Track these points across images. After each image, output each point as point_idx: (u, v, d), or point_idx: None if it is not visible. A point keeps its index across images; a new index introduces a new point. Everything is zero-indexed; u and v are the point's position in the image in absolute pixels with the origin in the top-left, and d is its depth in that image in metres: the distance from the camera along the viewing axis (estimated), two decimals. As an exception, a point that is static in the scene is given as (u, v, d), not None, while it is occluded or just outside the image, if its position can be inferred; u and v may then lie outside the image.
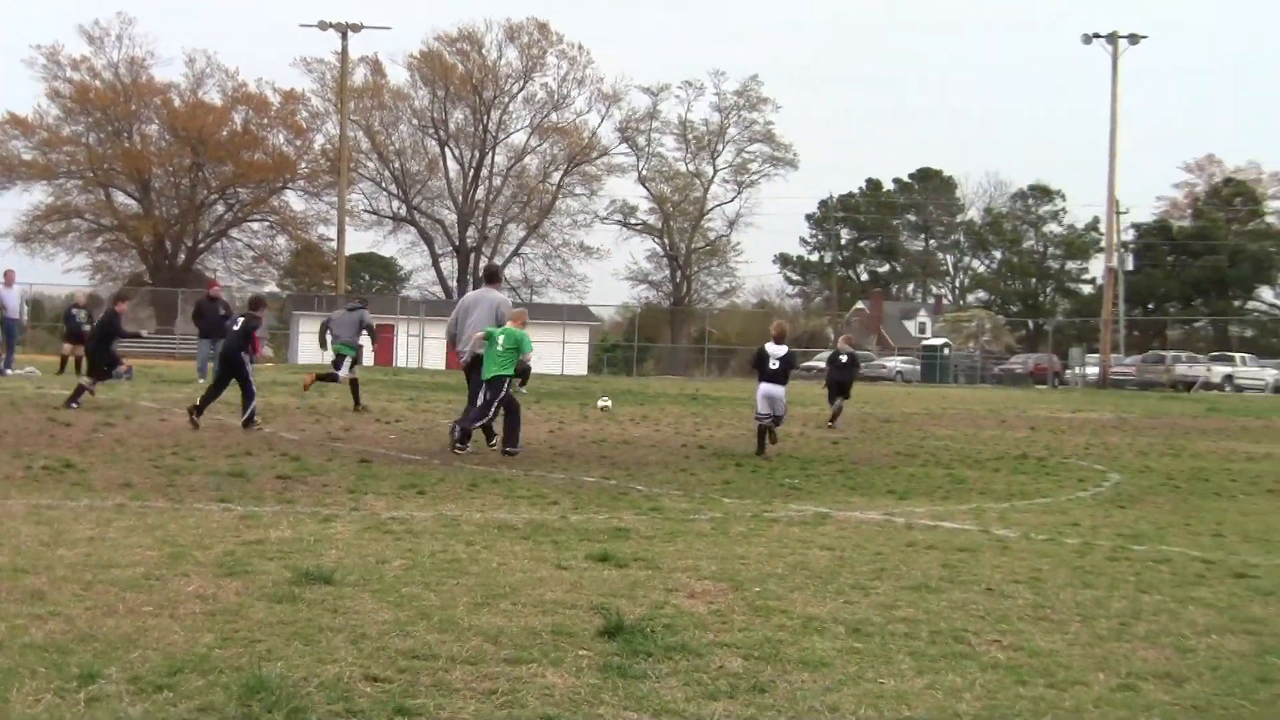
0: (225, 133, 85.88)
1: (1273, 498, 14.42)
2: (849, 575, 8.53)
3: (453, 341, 18.65)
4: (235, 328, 20.20)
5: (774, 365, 18.40)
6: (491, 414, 16.72)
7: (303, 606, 6.98)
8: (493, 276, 19.66)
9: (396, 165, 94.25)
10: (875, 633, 6.87)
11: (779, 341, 18.90)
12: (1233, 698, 5.86)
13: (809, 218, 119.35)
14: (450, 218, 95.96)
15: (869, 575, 8.56)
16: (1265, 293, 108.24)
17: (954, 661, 6.34)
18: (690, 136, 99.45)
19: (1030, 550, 9.88)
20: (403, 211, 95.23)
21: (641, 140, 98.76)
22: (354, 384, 24.43)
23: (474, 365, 17.16)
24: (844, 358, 26.41)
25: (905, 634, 6.88)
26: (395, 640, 6.33)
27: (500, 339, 16.62)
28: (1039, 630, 7.10)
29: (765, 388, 18.29)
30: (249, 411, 19.06)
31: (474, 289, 18.62)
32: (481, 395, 16.67)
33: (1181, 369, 68.07)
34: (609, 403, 27.95)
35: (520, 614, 7.02)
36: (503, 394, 16.60)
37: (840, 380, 25.66)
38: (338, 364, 24.25)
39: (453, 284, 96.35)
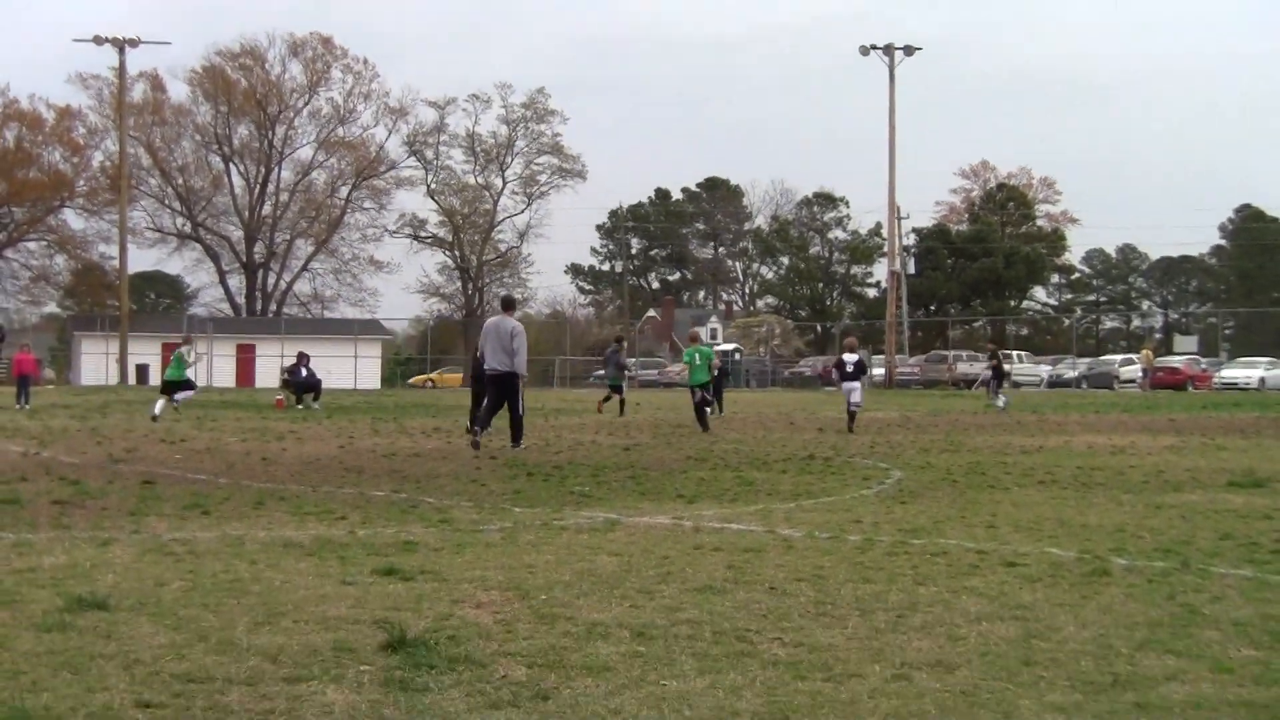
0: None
1: (1043, 489, 14.93)
2: (635, 580, 8.60)
3: (481, 358, 21.79)
4: None
5: (850, 369, 26.50)
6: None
7: (74, 634, 6.77)
8: (508, 305, 22.40)
9: (180, 182, 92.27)
10: (659, 635, 6.93)
11: (851, 351, 27.58)
12: (999, 682, 6.06)
13: (599, 228, 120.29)
14: (237, 234, 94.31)
15: (655, 579, 8.64)
16: (1039, 292, 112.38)
17: (736, 660, 6.43)
18: (479, 149, 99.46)
19: (814, 548, 10.06)
20: (187, 229, 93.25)
21: (430, 154, 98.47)
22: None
23: (491, 378, 20.96)
24: (850, 363, 27.48)
25: (689, 635, 6.95)
26: (171, 664, 6.19)
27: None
28: (819, 626, 7.24)
29: (847, 385, 26.49)
30: None
31: (490, 319, 22.50)
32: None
33: (963, 368, 70.17)
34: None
35: (302, 632, 6.92)
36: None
37: (850, 384, 27.06)
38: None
39: (240, 300, 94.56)
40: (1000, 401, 37.32)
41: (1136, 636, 6.98)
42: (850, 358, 27.20)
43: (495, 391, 20.92)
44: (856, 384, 26.50)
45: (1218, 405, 40.99)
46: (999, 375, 39.56)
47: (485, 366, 21.31)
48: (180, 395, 30.36)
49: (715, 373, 29.35)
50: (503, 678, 6.05)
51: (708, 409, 27.69)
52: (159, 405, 29.36)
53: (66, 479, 14.84)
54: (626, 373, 37.61)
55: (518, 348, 20.73)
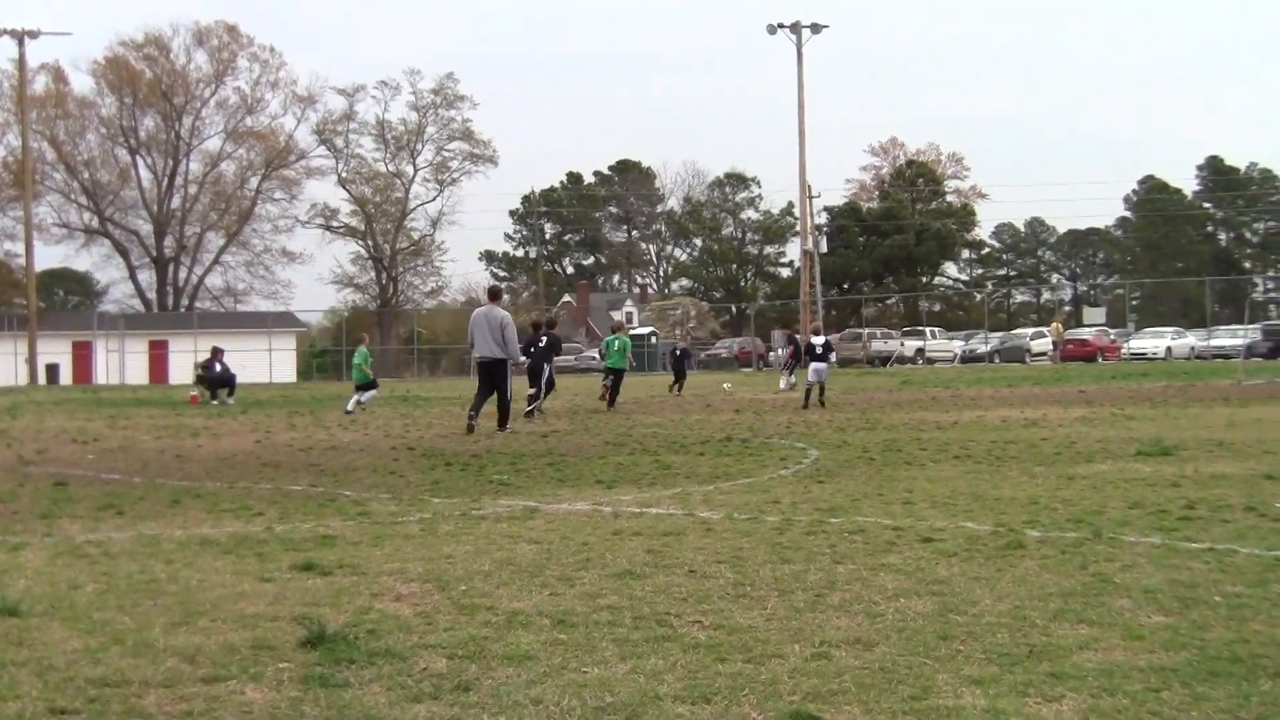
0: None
1: (958, 464, 15.10)
2: (555, 568, 8.60)
3: (471, 346, 23.13)
4: None
5: (819, 350, 28.99)
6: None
7: (-14, 641, 6.67)
8: (494, 295, 24.15)
9: (86, 176, 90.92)
10: (580, 623, 6.94)
11: (817, 334, 30.68)
12: (917, 656, 6.12)
13: (512, 214, 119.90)
14: (146, 228, 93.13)
15: (575, 566, 8.65)
16: (950, 268, 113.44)
17: (657, 645, 6.45)
18: (389, 137, 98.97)
19: (733, 530, 10.12)
20: (95, 224, 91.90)
21: (340, 142, 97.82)
22: None
23: (481, 365, 22.49)
24: (818, 345, 29.45)
25: (609, 622, 6.97)
26: (85, 669, 6.11)
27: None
28: (739, 608, 7.28)
29: (815, 365, 28.66)
30: None
31: (478, 309, 23.76)
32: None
33: (877, 345, 70.81)
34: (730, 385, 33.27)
35: (219, 631, 6.86)
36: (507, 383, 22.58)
37: (818, 365, 29.01)
38: None
39: (151, 296, 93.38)
40: (784, 383, 38.60)
41: (1051, 607, 7.08)
42: (818, 340, 29.56)
43: (486, 377, 22.43)
44: (824, 364, 28.87)
45: (1126, 375, 41.64)
46: (796, 357, 39.39)
47: (475, 355, 22.85)
48: (365, 395, 31.21)
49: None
50: (423, 670, 6.04)
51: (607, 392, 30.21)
52: (351, 401, 30.63)
53: (-25, 483, 14.61)
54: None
55: (508, 337, 22.25)
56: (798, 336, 41.55)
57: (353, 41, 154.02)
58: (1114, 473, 13.74)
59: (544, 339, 27.43)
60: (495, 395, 22.41)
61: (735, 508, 11.43)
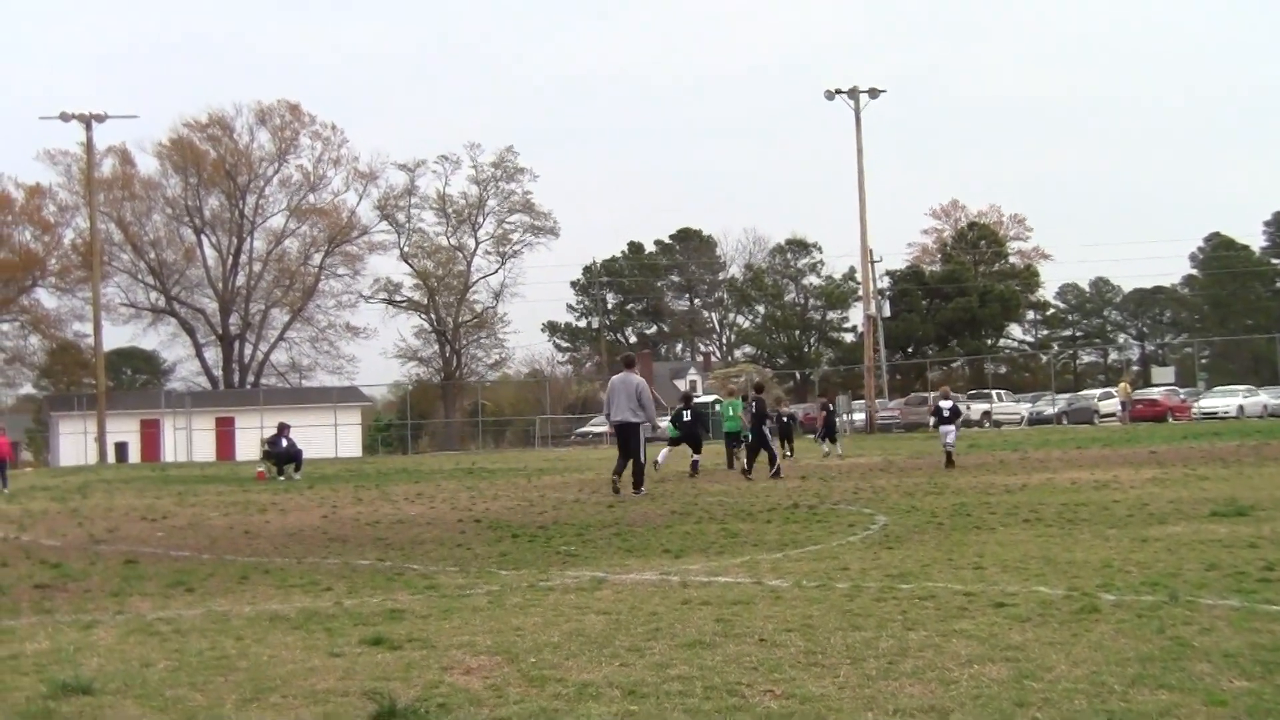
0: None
1: (1028, 527, 14.93)
2: (625, 638, 8.55)
3: (607, 415, 24.35)
4: None
5: (946, 414, 29.68)
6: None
7: (59, 720, 6.71)
8: (629, 363, 25.29)
9: (152, 256, 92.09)
10: (650, 694, 6.89)
11: (945, 398, 30.87)
12: (994, 725, 6.04)
13: (574, 284, 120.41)
14: (211, 306, 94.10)
15: (644, 636, 8.60)
16: (1015, 330, 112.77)
17: (729, 715, 6.39)
18: (450, 210, 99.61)
19: (802, 598, 10.03)
20: (161, 303, 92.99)
21: (401, 217, 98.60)
22: None
23: (618, 429, 23.64)
24: (945, 408, 30.01)
25: (680, 692, 6.91)
26: (159, 746, 6.13)
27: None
28: (810, 676, 7.20)
29: (944, 428, 29.50)
30: None
31: (614, 374, 25.18)
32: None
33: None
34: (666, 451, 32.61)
35: (290, 707, 6.86)
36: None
37: (946, 428, 29.77)
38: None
39: (217, 373, 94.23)
40: (825, 448, 38.76)
41: (1129, 672, 6.96)
42: (945, 404, 30.23)
43: (623, 440, 23.62)
44: (951, 427, 29.60)
45: (1198, 435, 41.11)
46: (830, 425, 39.32)
47: (612, 419, 23.90)
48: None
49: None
50: (495, 744, 6.01)
51: (737, 454, 31.98)
52: (779, 465, 29.51)
53: (47, 562, 14.73)
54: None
55: (645, 402, 23.47)
56: (830, 405, 41.20)
57: (413, 117, 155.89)
58: (1189, 534, 13.53)
59: (754, 405, 29.79)
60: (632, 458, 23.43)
61: (804, 575, 11.34)
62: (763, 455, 29.19)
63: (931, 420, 32.37)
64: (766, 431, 29.50)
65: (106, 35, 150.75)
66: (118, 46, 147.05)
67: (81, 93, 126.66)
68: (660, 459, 30.77)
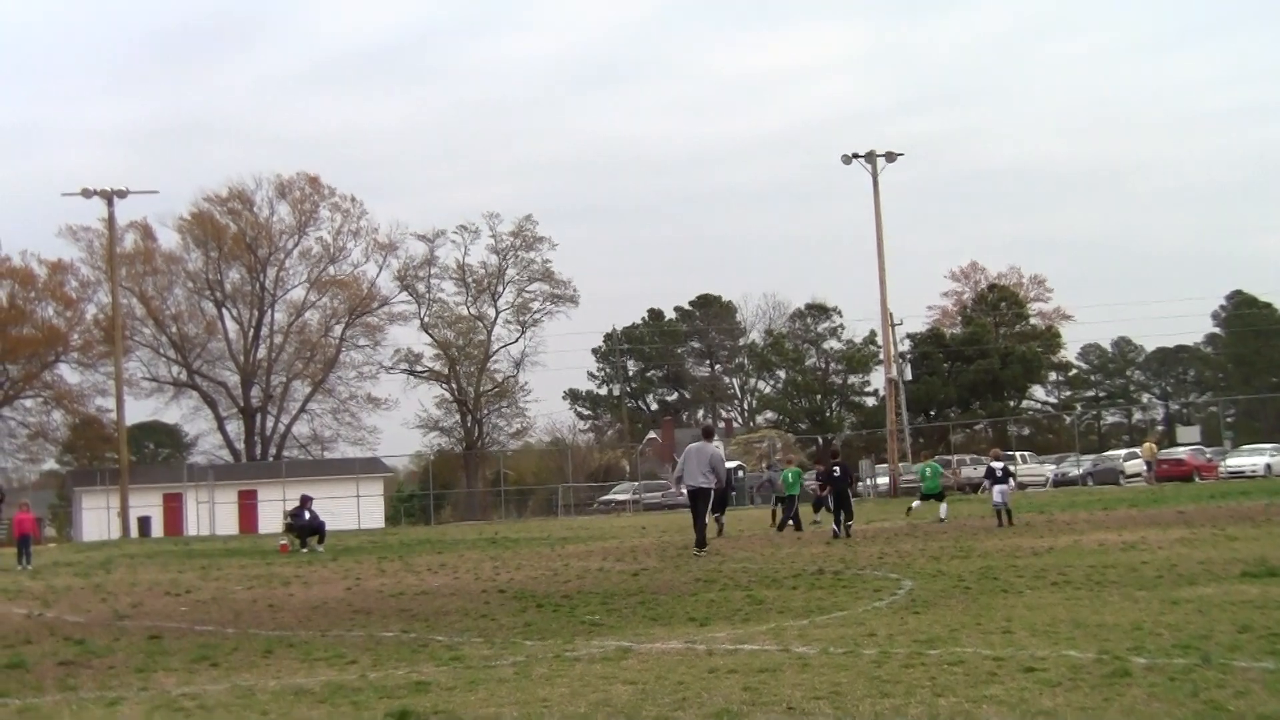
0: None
1: (1056, 590, 14.82)
2: (651, 708, 8.49)
3: (679, 480, 26.39)
4: None
5: (998, 475, 30.67)
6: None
7: (86, 798, 6.67)
8: (708, 433, 29.21)
9: (173, 330, 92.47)
10: (679, 764, 6.83)
11: (997, 460, 32.41)
12: (1028, 793, 5.96)
13: (595, 351, 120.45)
14: (233, 379, 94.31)
15: (671, 706, 8.53)
16: (1037, 391, 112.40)
17: (758, 785, 6.33)
18: (470, 280, 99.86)
19: (829, 665, 9.96)
20: (183, 376, 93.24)
21: (421, 287, 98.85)
22: None
23: (691, 494, 25.63)
24: (997, 470, 31.16)
25: (709, 762, 6.85)
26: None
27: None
28: (840, 745, 7.14)
29: (997, 487, 30.41)
30: None
31: (691, 442, 27.50)
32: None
33: (967, 471, 69.95)
34: (918, 504, 35.30)
35: (317, 782, 6.82)
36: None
37: (999, 487, 30.83)
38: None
39: (239, 446, 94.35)
40: (818, 517, 37.85)
41: (1163, 737, 6.88)
42: (996, 465, 31.57)
43: (696, 504, 25.54)
44: (1005, 486, 30.81)
45: (1225, 494, 40.82)
46: (839, 494, 38.70)
47: (686, 484, 25.73)
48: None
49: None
50: (523, 818, 5.95)
51: (791, 519, 34.82)
52: (943, 509, 33.67)
53: (71, 638, 14.71)
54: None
55: (718, 469, 25.90)
56: (836, 469, 40.66)
57: (431, 187, 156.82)
58: (1219, 595, 13.41)
59: (838, 468, 31.64)
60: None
61: (831, 641, 11.26)
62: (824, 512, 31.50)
63: (985, 482, 33.95)
64: (849, 493, 31.11)
65: (128, 112, 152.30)
66: (138, 123, 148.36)
67: (103, 169, 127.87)
68: (721, 521, 32.01)
